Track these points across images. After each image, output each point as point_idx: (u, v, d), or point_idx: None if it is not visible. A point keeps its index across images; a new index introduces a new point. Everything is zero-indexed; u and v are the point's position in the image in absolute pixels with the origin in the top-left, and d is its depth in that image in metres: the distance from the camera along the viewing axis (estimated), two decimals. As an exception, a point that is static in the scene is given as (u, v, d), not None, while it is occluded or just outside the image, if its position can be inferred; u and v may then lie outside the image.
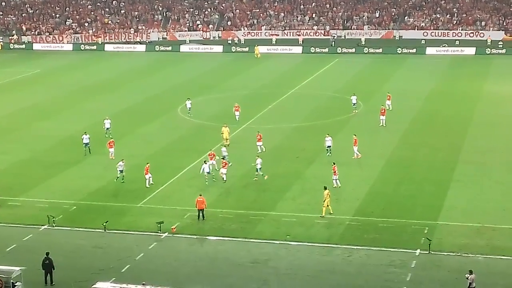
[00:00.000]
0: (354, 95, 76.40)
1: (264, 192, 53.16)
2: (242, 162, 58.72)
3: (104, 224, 46.81)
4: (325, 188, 48.52)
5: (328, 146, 60.42)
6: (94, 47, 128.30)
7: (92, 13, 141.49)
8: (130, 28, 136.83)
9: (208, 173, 54.81)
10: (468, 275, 37.00)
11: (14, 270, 37.32)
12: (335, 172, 52.93)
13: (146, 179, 54.48)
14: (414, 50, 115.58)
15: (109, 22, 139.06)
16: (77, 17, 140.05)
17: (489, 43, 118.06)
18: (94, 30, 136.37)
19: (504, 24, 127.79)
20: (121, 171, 55.77)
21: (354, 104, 75.77)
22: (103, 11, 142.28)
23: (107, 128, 68.37)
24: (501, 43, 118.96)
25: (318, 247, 43.69)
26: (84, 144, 62.59)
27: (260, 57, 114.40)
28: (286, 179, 55.61)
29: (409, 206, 49.63)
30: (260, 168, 55.66)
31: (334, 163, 53.59)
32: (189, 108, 75.72)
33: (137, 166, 57.10)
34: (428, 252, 42.19)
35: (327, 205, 47.92)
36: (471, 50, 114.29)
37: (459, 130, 68.06)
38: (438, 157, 60.15)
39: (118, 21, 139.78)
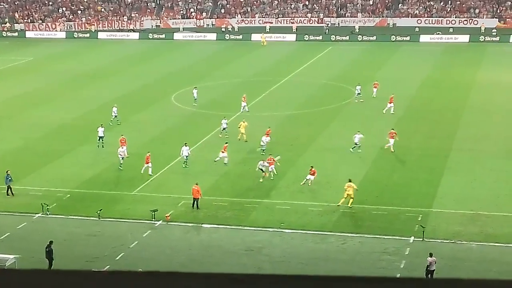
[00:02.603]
0: (359, 85, 75.41)
1: (258, 180, 53.14)
2: (237, 150, 58.70)
3: (98, 212, 46.81)
4: (349, 181, 47.79)
5: (356, 143, 57.90)
6: (87, 35, 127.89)
7: (85, 0, 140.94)
8: (123, 16, 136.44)
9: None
10: (428, 257, 37.37)
11: (8, 258, 37.35)
12: (313, 173, 50.55)
13: (144, 167, 53.98)
14: (408, 38, 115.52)
15: (102, 9, 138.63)
16: (70, 4, 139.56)
17: (483, 31, 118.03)
18: (87, 18, 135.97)
19: (498, 11, 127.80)
20: (122, 158, 55.65)
21: (358, 93, 74.65)
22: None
23: (115, 116, 68.11)
24: (495, 30, 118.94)
25: (312, 235, 43.78)
26: (98, 138, 60.98)
27: (266, 45, 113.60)
28: (280, 167, 55.59)
29: (403, 193, 49.72)
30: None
31: (312, 166, 51.32)
32: (195, 98, 74.43)
33: (130, 154, 56.98)
34: (421, 239, 42.33)
35: (346, 197, 47.02)
36: (465, 38, 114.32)
37: (452, 118, 68.12)
38: (431, 144, 60.22)
39: (111, 8, 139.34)
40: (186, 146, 56.20)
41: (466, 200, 47.98)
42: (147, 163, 54.07)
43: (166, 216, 46.22)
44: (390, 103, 69.42)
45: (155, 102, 77.12)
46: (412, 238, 42.72)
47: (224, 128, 63.18)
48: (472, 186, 50.91)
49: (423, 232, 42.56)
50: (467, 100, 75.03)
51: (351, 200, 47.13)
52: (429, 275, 37.22)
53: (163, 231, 45.14)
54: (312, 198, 48.63)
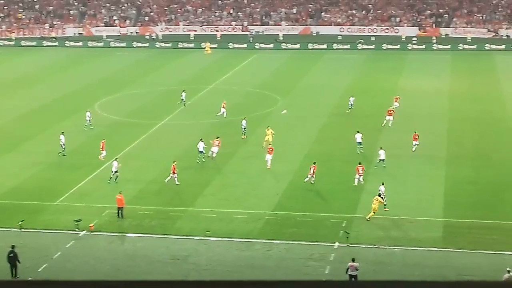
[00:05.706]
0: (352, 96, 74.66)
1: (184, 188, 52.93)
2: (161, 159, 58.32)
3: (20, 223, 45.83)
4: (379, 195, 47.57)
5: (381, 159, 56.84)
6: (8, 43, 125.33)
7: (5, 8, 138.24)
8: (45, 24, 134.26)
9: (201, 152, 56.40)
10: (350, 262, 38.03)
11: None
12: (359, 171, 52.25)
13: (173, 177, 52.98)
14: (331, 46, 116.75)
15: (23, 17, 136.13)
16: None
17: (404, 39, 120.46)
18: (7, 25, 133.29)
19: (418, 20, 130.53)
20: (115, 172, 53.68)
21: (351, 105, 73.73)
22: (16, 6, 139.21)
23: (88, 121, 67.80)
24: (415, 39, 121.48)
25: (238, 242, 43.79)
26: (61, 145, 59.89)
27: (211, 53, 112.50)
28: (205, 174, 55.52)
29: (327, 199, 50.19)
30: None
31: (360, 163, 53.25)
32: (183, 100, 75.94)
33: (53, 164, 56.12)
34: (346, 245, 42.79)
35: (375, 209, 46.61)
36: (386, 46, 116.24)
37: (375, 124, 68.95)
38: (356, 151, 60.86)
39: (33, 16, 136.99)
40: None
41: (389, 205, 48.58)
42: (174, 173, 52.89)
43: (90, 226, 45.58)
44: (389, 115, 68.84)
45: (79, 110, 75.85)
46: (337, 243, 43.14)
47: (244, 128, 64.35)
48: (395, 192, 51.56)
49: (348, 237, 43.06)
50: (389, 106, 76.04)
51: (371, 213, 46.49)
52: (352, 279, 37.62)
53: (87, 241, 44.49)
54: (237, 206, 48.66)
